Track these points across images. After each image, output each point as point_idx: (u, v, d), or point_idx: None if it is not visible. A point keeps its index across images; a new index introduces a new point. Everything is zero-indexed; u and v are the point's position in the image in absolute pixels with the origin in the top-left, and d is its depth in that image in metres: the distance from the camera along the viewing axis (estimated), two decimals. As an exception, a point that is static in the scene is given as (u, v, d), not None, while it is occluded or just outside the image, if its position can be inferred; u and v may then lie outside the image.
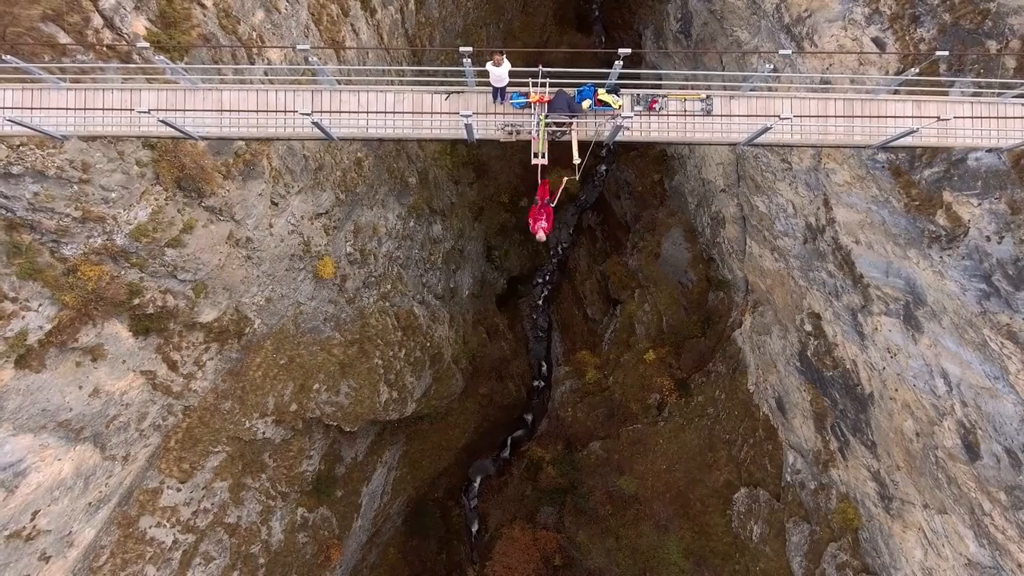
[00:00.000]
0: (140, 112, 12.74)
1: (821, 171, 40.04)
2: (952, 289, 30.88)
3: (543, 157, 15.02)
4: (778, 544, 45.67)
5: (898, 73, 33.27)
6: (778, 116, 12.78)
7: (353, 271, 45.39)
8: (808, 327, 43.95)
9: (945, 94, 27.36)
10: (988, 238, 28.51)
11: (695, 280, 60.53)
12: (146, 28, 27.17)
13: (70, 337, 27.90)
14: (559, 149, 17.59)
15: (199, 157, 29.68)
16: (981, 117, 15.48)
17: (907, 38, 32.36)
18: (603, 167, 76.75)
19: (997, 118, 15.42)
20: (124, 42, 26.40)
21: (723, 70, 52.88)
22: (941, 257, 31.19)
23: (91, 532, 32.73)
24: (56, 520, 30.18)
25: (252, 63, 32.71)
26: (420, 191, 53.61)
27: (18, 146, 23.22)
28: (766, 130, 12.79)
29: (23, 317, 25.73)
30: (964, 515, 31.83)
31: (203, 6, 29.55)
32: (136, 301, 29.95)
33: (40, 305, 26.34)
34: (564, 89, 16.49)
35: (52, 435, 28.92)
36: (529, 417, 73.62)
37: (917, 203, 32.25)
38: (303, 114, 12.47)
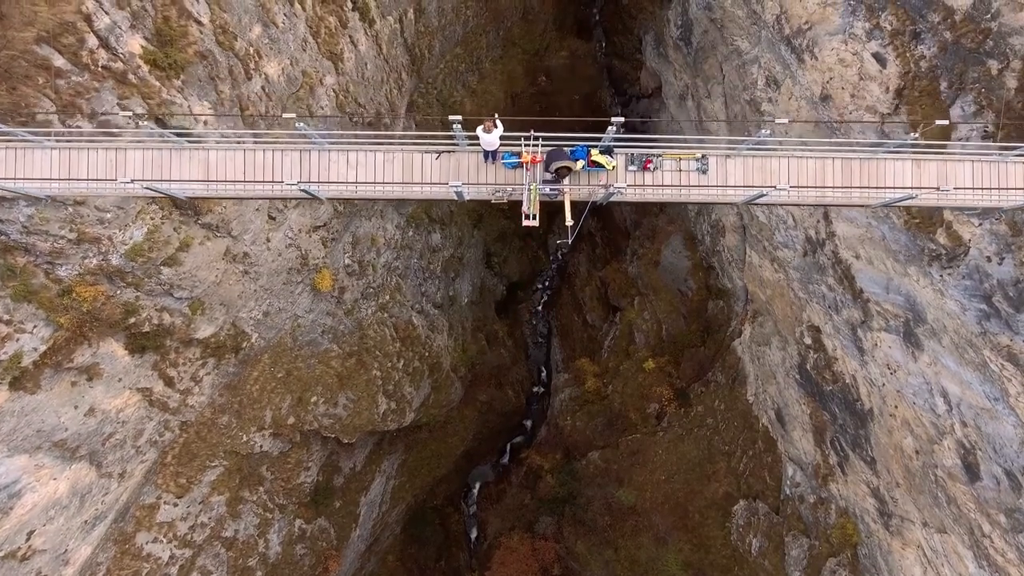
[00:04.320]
0: (123, 183, 12.50)
1: (821, 184, 39.82)
2: (952, 308, 30.70)
3: (534, 219, 14.84)
4: (777, 558, 45.52)
5: (899, 90, 33.10)
6: (774, 186, 12.57)
7: (351, 283, 45.25)
8: (808, 340, 43.78)
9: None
10: (989, 259, 28.33)
11: (695, 288, 60.33)
12: (142, 46, 27.01)
13: (65, 358, 27.77)
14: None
15: (195, 175, 29.49)
16: (981, 188, 15.24)
17: (908, 55, 32.16)
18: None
19: (997, 189, 15.19)
20: (120, 61, 26.27)
21: (723, 79, 52.67)
22: (941, 276, 31.00)
23: (87, 549, 32.63)
24: (52, 539, 30.07)
25: (249, 79, 32.52)
26: (419, 200, 53.42)
27: (12, 170, 23.04)
28: (761, 195, 12.56)
29: (17, 340, 25.60)
30: (964, 535, 31.68)
31: (199, 23, 29.36)
32: (132, 320, 29.82)
33: (35, 327, 26.20)
34: (562, 147, 16.08)
35: (47, 455, 28.80)
36: (528, 423, 73.47)
37: (917, 221, 32.09)
38: (290, 185, 12.25)
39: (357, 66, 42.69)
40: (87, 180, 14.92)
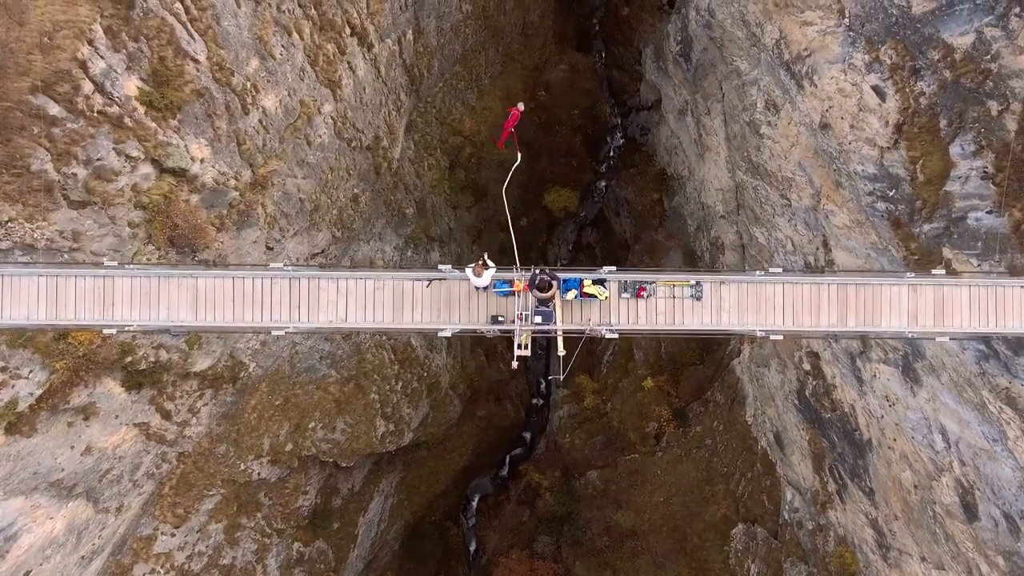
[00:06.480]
0: (108, 327, 12.49)
1: (820, 211, 39.77)
2: (951, 346, 30.61)
3: (526, 348, 14.86)
4: (775, 584, 45.59)
5: (898, 125, 32.94)
6: (767, 333, 12.57)
7: (349, 307, 45.13)
8: (806, 366, 43.68)
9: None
10: (988, 300, 28.25)
11: (694, 306, 60.14)
12: (138, 88, 26.91)
13: (62, 400, 27.70)
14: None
15: (191, 215, 29.44)
16: (979, 333, 15.19)
17: (907, 90, 32.00)
18: (603, 183, 76.50)
19: (996, 333, 15.15)
20: (116, 105, 26.14)
21: (722, 97, 52.45)
22: (940, 312, 30.91)
23: (84, 584, 32.64)
24: (48, 578, 30.08)
25: (246, 113, 32.41)
26: (418, 220, 53.33)
27: (7, 222, 22.97)
28: (754, 331, 12.58)
29: (13, 386, 25.52)
30: (962, 573, 31.64)
31: (196, 61, 29.22)
32: (128, 359, 29.74)
33: (31, 372, 26.11)
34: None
35: (44, 495, 28.76)
36: (528, 435, 73.43)
37: (916, 256, 31.98)
38: (277, 329, 12.25)
39: (355, 91, 42.54)
40: (74, 324, 14.88)
